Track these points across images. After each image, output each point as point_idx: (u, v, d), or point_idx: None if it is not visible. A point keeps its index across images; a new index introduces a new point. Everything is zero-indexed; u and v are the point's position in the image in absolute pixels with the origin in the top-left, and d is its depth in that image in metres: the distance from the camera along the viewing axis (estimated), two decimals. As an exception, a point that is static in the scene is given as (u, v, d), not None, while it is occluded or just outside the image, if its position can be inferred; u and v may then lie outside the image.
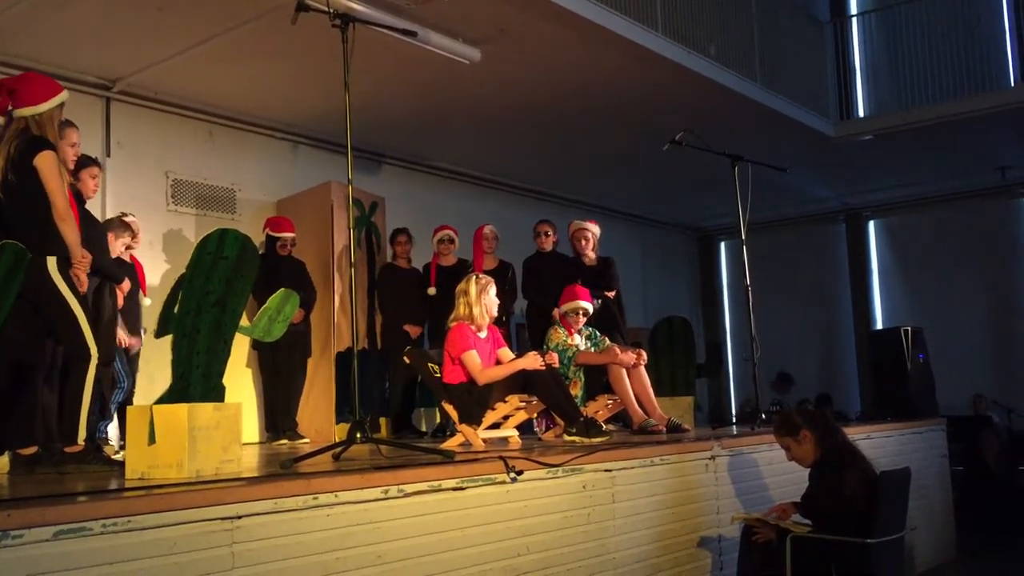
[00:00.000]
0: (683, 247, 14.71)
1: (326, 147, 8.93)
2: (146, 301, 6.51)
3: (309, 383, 7.69)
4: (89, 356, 3.93)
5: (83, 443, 3.91)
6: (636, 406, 5.92)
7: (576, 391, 5.98)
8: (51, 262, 3.93)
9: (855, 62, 11.39)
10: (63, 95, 4.15)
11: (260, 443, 7.62)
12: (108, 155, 7.29)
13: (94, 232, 5.12)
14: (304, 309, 7.31)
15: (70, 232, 4.00)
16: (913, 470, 4.68)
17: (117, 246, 6.04)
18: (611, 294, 7.14)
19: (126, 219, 6.36)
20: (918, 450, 6.96)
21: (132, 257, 6.51)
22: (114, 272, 5.56)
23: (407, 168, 9.91)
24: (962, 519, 7.74)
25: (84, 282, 4.13)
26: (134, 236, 6.39)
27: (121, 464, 3.97)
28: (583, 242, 7.21)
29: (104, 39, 6.63)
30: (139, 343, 6.33)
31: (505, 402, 5.18)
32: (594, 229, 7.28)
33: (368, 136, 8.70)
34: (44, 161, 3.93)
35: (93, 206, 5.74)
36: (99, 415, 5.92)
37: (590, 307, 6.28)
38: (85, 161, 5.54)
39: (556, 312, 6.48)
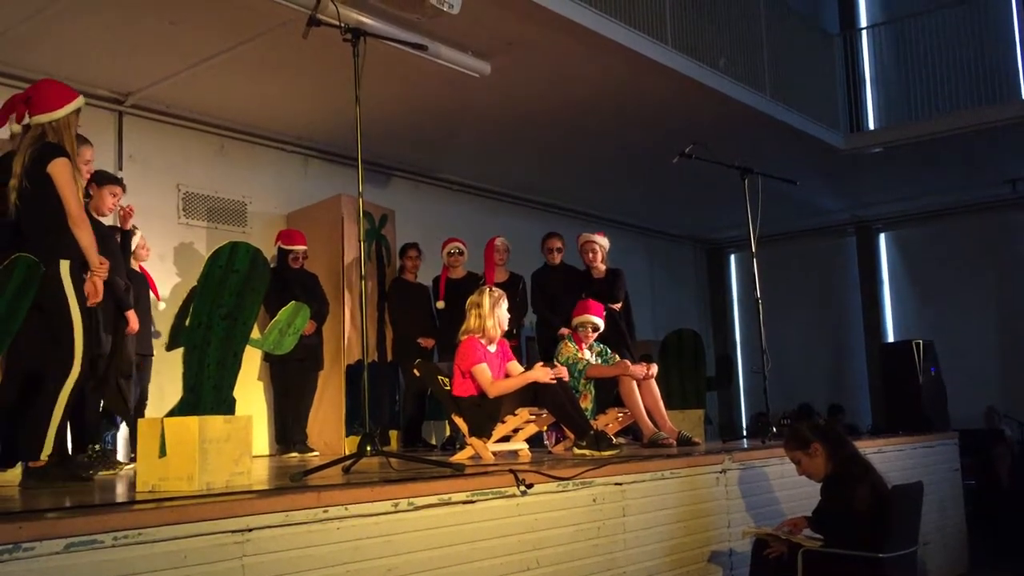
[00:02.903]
0: (693, 259, 14.70)
1: (337, 160, 8.97)
2: (161, 305, 6.50)
3: (319, 396, 7.70)
4: (70, 370, 3.83)
5: (46, 458, 3.80)
6: (646, 419, 5.91)
7: (586, 404, 5.97)
8: (64, 265, 3.92)
9: (865, 74, 11.39)
10: (79, 101, 4.15)
11: (270, 456, 7.62)
12: (120, 168, 7.33)
13: (109, 249, 5.13)
14: (316, 321, 7.33)
15: (85, 237, 4.00)
16: (925, 484, 4.65)
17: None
18: (617, 306, 7.13)
19: (135, 232, 6.39)
20: (930, 464, 6.92)
21: (141, 268, 6.53)
22: (124, 299, 5.56)
23: (417, 181, 9.94)
24: (975, 533, 7.67)
25: (100, 290, 4.13)
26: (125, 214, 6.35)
27: (91, 478, 3.96)
28: (591, 254, 7.22)
29: (116, 53, 6.68)
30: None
31: (515, 415, 5.18)
32: (602, 242, 7.28)
33: (378, 149, 8.73)
34: (58, 168, 3.94)
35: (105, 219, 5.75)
36: (107, 424, 5.95)
37: (600, 322, 6.28)
38: (109, 178, 5.55)
39: (563, 331, 6.48)
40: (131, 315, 5.65)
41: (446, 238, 8.06)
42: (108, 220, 5.83)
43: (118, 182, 5.68)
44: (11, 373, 4.09)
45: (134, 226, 6.53)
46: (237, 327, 3.66)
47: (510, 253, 7.81)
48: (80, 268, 3.99)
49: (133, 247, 6.43)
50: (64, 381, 3.83)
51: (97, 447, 5.36)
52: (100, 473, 4.93)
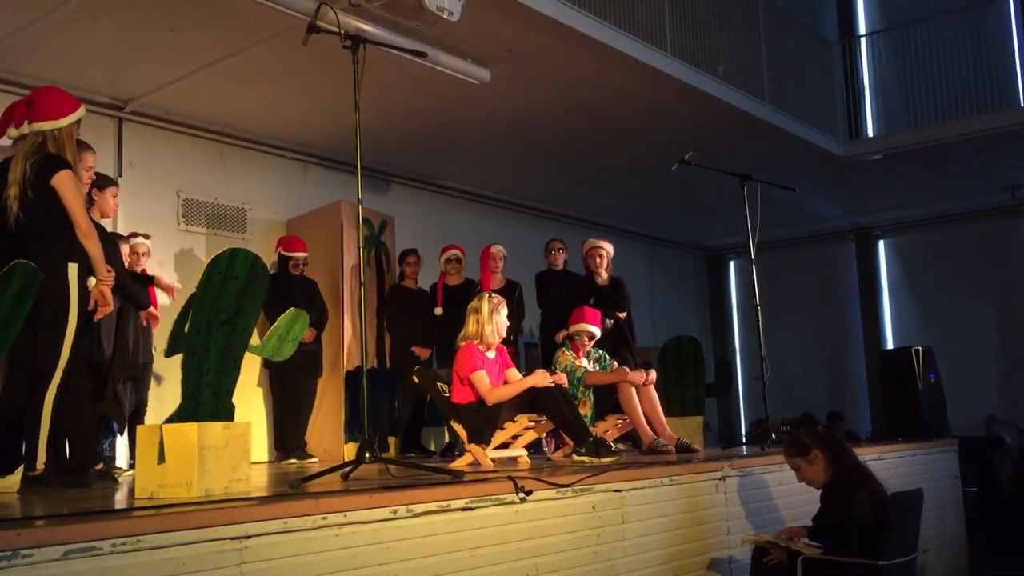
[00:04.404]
0: (692, 266, 14.70)
1: (336, 166, 8.97)
2: (166, 300, 6.52)
3: (318, 402, 7.69)
4: (51, 379, 3.82)
5: (42, 467, 3.81)
6: (646, 426, 5.90)
7: (585, 411, 5.97)
8: (72, 268, 3.91)
9: (864, 82, 11.41)
10: (81, 111, 4.15)
11: (269, 462, 7.61)
12: (120, 175, 7.33)
13: (110, 249, 5.14)
14: (316, 328, 7.32)
15: (94, 248, 4.00)
16: (925, 491, 4.65)
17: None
18: (623, 315, 7.15)
19: (138, 240, 6.41)
20: (930, 471, 6.91)
21: (144, 272, 6.54)
22: (139, 298, 5.57)
23: (416, 187, 9.94)
24: (975, 540, 7.68)
25: (109, 299, 4.14)
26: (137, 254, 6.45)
27: (89, 484, 3.95)
28: (598, 260, 7.21)
29: (116, 60, 6.69)
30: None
31: (514, 421, 5.18)
32: (608, 248, 7.29)
33: (378, 155, 8.74)
34: (62, 180, 3.92)
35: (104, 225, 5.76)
36: (104, 431, 5.95)
37: (597, 331, 6.28)
38: (108, 180, 5.57)
39: (560, 336, 6.48)
40: (159, 280, 5.72)
41: (444, 244, 8.07)
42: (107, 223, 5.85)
43: (115, 183, 5.69)
44: (10, 380, 4.09)
45: (145, 234, 6.57)
46: (236, 333, 3.65)
47: (507, 260, 7.81)
48: (86, 273, 3.99)
49: (141, 253, 6.47)
50: (47, 389, 3.81)
51: (100, 467, 5.35)
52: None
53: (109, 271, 4.09)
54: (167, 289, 6.25)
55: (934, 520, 6.55)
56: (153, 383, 6.52)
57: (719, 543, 4.75)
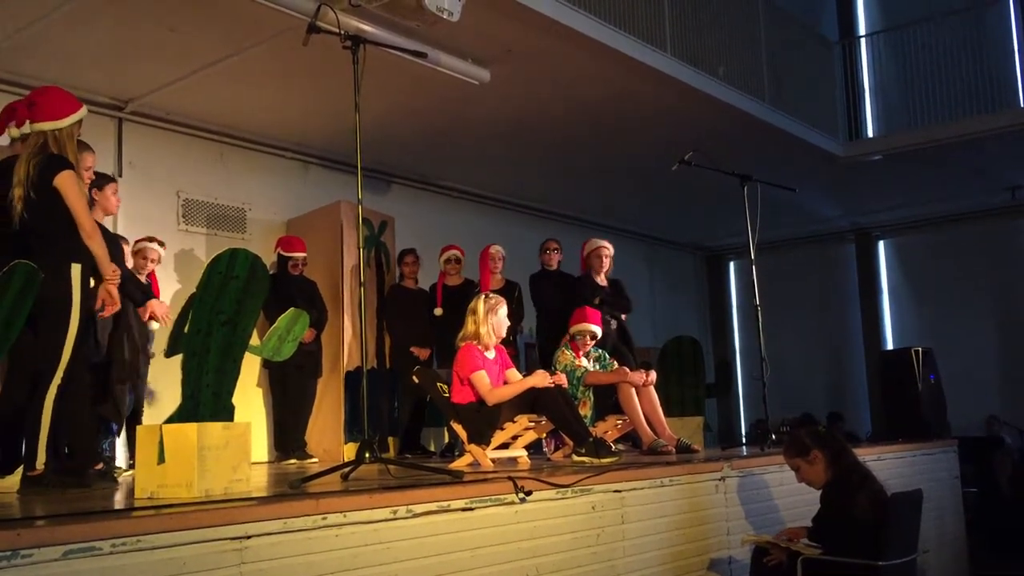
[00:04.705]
0: (692, 266, 14.70)
1: (336, 167, 8.97)
2: (154, 325, 6.53)
3: (318, 402, 7.69)
4: (51, 379, 3.83)
5: (42, 467, 3.81)
6: (646, 426, 5.91)
7: (585, 411, 5.97)
8: (76, 268, 3.92)
9: (864, 82, 11.41)
10: (83, 111, 4.16)
11: (269, 463, 7.61)
12: (120, 175, 7.33)
13: (113, 249, 5.15)
14: (316, 328, 7.32)
15: (99, 248, 4.01)
16: (925, 492, 4.65)
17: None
18: (624, 316, 7.16)
19: (150, 243, 6.40)
20: (930, 472, 6.91)
21: (152, 278, 6.53)
22: (134, 295, 5.58)
23: (416, 188, 9.94)
24: (975, 541, 7.67)
25: (116, 298, 4.14)
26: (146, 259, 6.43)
27: (90, 484, 3.96)
28: (603, 260, 7.20)
29: (116, 60, 6.69)
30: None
31: (514, 422, 5.18)
32: (612, 249, 7.30)
33: (378, 156, 8.74)
34: (64, 181, 3.93)
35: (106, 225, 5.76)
36: (104, 431, 5.95)
37: (599, 331, 6.28)
38: (107, 178, 5.58)
39: (564, 341, 6.49)
40: (152, 304, 5.67)
41: (444, 245, 8.07)
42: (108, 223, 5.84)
43: (114, 179, 5.70)
44: (11, 380, 4.09)
45: (160, 241, 6.55)
46: (236, 334, 3.65)
47: (506, 261, 7.81)
48: (88, 274, 4.00)
49: (151, 259, 6.45)
50: (48, 389, 3.82)
51: (100, 467, 5.36)
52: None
53: (115, 271, 4.10)
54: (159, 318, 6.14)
55: (934, 520, 6.55)
56: (152, 383, 6.52)
57: (719, 543, 4.75)
